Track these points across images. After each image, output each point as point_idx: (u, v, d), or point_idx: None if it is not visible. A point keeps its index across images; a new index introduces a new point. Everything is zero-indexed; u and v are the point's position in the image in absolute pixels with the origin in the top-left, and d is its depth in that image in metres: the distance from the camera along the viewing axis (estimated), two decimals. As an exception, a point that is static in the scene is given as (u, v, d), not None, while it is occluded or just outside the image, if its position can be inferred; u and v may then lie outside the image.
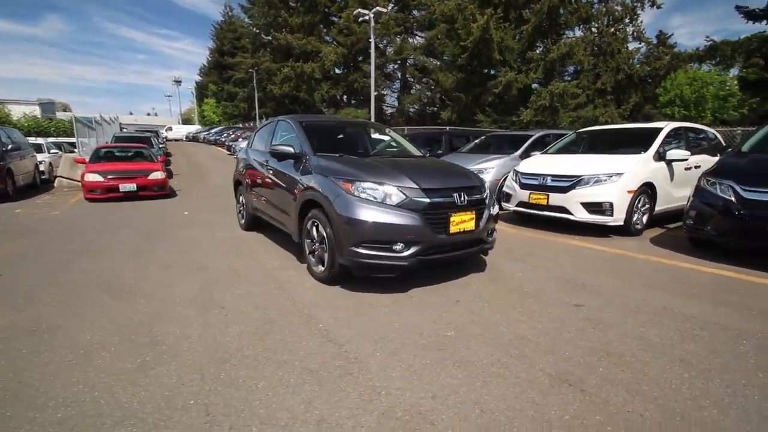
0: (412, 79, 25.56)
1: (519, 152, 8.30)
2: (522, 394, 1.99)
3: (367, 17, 16.86)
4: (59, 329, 2.63)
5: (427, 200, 3.16)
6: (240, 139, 22.96)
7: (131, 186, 8.53)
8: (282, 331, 2.63)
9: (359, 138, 4.91)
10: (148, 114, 78.93)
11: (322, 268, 3.52)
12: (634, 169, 5.55)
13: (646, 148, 5.99)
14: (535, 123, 14.06)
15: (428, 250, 3.20)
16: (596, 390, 2.02)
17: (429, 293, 3.34)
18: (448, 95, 17.79)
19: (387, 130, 5.18)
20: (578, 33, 15.76)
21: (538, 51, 15.48)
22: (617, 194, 5.39)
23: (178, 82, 61.24)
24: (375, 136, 5.07)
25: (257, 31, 33.13)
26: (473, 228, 3.42)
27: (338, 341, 2.50)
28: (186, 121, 62.24)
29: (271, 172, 4.50)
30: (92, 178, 8.28)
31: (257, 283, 3.58)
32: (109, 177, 8.39)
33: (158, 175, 9.02)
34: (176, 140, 35.36)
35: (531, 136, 8.86)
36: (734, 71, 28.34)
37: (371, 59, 18.31)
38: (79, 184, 9.19)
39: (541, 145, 8.57)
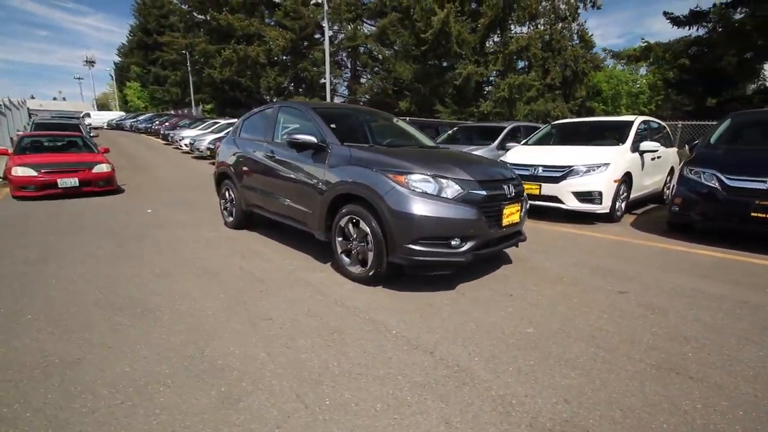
0: (364, 68, 25.14)
1: (495, 143, 8.50)
2: (643, 387, 1.97)
3: (320, 0, 16.18)
4: (82, 362, 2.11)
5: (484, 193, 3.05)
6: (177, 128, 21.07)
7: (72, 181, 7.33)
8: (357, 341, 2.37)
9: (371, 126, 4.63)
10: (55, 99, 69.15)
11: (362, 269, 3.26)
12: (617, 159, 5.92)
13: (622, 140, 6.43)
14: (495, 114, 14.60)
15: (484, 244, 3.10)
16: (702, 375, 2.07)
17: (477, 288, 3.24)
18: (407, 86, 17.77)
19: (394, 119, 4.95)
20: (525, 29, 16.59)
21: (492, 44, 16.05)
22: (605, 183, 5.72)
23: (90, 62, 54.36)
24: (385, 124, 4.81)
25: (189, 8, 30.30)
26: (518, 220, 3.38)
27: (425, 347, 2.31)
28: (102, 106, 55.58)
29: (280, 164, 4.08)
30: (22, 172, 6.96)
31: (288, 287, 3.22)
32: (44, 171, 7.11)
33: (104, 167, 7.86)
34: (96, 128, 31.38)
35: (504, 127, 9.09)
36: (642, 71, 32.07)
37: (325, 45, 17.65)
38: (1, 179, 7.72)
39: (510, 136, 8.88)
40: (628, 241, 4.95)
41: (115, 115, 35.24)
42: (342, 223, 3.35)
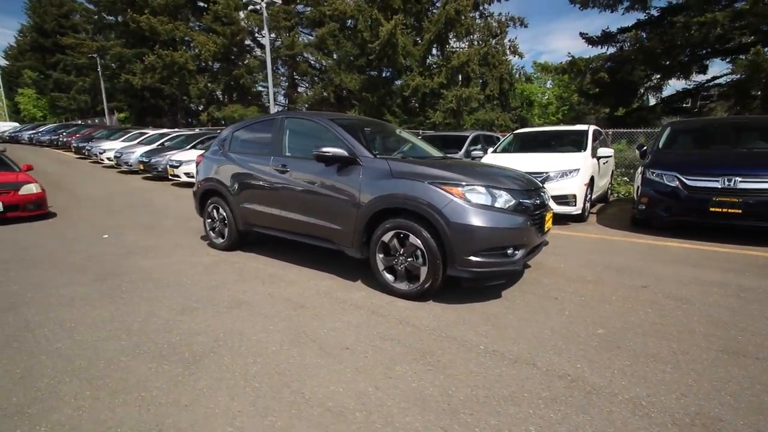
0: (304, 77, 24.62)
1: (462, 152, 8.87)
2: (729, 372, 2.17)
3: (258, 6, 15.58)
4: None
5: (530, 201, 3.15)
6: (94, 140, 18.68)
7: (-6, 206, 6.11)
8: (455, 362, 2.28)
9: (384, 138, 4.53)
10: None
11: (410, 285, 3.16)
12: (584, 164, 6.52)
13: (582, 147, 7.11)
14: (444, 124, 15.23)
15: (531, 251, 3.19)
16: (765, 354, 2.34)
17: (520, 294, 3.33)
18: (355, 95, 17.76)
19: (398, 130, 4.90)
20: (463, 45, 17.64)
21: (435, 58, 16.78)
22: (578, 187, 6.27)
23: (-36, 64, 45.88)
24: (392, 134, 4.73)
25: (98, 8, 27.17)
26: (551, 226, 3.55)
27: (524, 360, 2.31)
28: (-18, 116, 47.17)
29: (297, 179, 3.81)
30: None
31: (339, 311, 3.00)
32: (-44, 195, 5.83)
33: (33, 188, 6.69)
34: (-19, 142, 26.53)
35: (467, 136, 9.53)
36: (549, 83, 36.15)
37: (266, 53, 17.00)
38: None
39: (472, 144, 9.35)
40: (609, 238, 5.45)
41: (8, 126, 30.05)
42: (386, 238, 3.22)
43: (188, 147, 13.97)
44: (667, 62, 12.10)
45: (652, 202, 5.55)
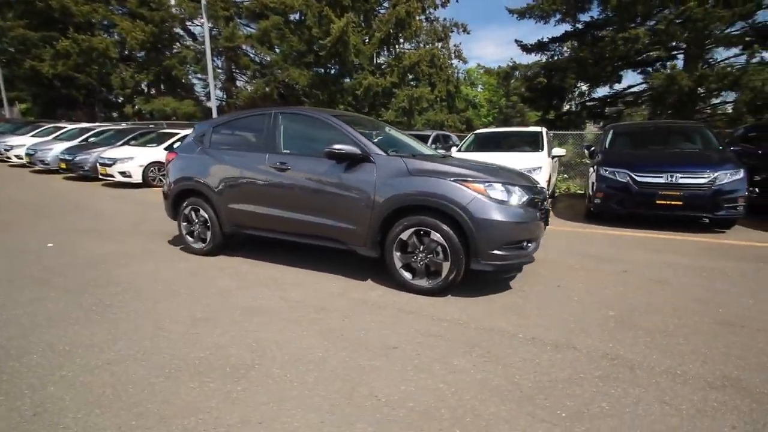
0: (245, 71, 23.29)
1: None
2: (733, 343, 2.53)
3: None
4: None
5: (540, 197, 3.35)
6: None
7: None
8: (513, 354, 2.36)
9: (378, 135, 4.48)
10: None
11: (430, 281, 3.21)
12: (544, 163, 7.07)
13: (540, 147, 7.70)
14: (396, 123, 15.43)
15: (538, 244, 3.40)
16: (762, 325, 2.74)
17: (529, 285, 3.52)
18: (305, 92, 17.25)
19: (387, 128, 4.89)
20: (410, 46, 18.07)
21: (386, 57, 16.97)
22: (542, 184, 6.77)
23: None
24: (386, 131, 4.69)
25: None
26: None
27: (565, 344, 2.46)
28: None
29: (301, 177, 3.64)
30: None
31: (365, 312, 2.94)
32: None
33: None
34: None
35: (429, 135, 9.81)
36: (480, 88, 38.67)
37: (206, 43, 15.87)
38: None
39: (433, 143, 9.66)
40: (573, 230, 5.98)
41: None
42: (404, 236, 3.23)
43: (120, 143, 12.63)
44: (597, 71, 13.45)
45: (607, 196, 6.18)
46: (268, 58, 22.17)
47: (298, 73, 17.06)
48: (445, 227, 3.06)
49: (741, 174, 5.50)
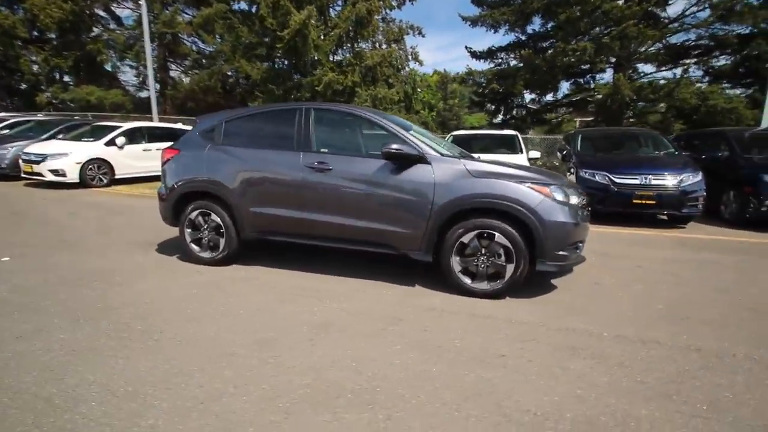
0: (184, 60, 21.32)
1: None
2: (772, 325, 2.84)
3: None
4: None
5: (585, 200, 3.47)
6: None
7: None
8: (612, 353, 2.41)
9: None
10: None
11: (492, 284, 3.18)
12: (525, 165, 7.44)
13: (518, 149, 8.11)
14: (359, 123, 15.21)
15: (584, 244, 3.53)
16: (769, 309, 3.13)
17: (564, 282, 3.65)
18: (258, 87, 16.20)
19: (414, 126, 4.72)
20: (367, 45, 17.95)
21: (345, 55, 16.62)
22: (527, 184, 7.11)
23: None
24: (418, 130, 4.47)
25: None
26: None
27: (646, 339, 2.57)
28: None
29: (348, 178, 3.38)
30: None
31: (445, 320, 2.82)
32: None
33: None
34: None
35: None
36: (419, 91, 40.24)
37: (144, 27, 14.28)
38: None
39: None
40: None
41: None
42: (465, 239, 3.15)
43: (45, 137, 10.87)
44: (546, 79, 14.53)
45: (589, 196, 6.64)
46: (210, 48, 20.63)
47: (250, 66, 16.03)
48: (510, 229, 3.05)
49: (700, 176, 6.26)
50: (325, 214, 3.48)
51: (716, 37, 14.04)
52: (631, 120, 16.37)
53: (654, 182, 6.22)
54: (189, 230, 3.96)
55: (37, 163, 8.92)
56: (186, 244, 3.99)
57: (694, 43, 15.38)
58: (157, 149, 10.89)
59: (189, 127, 13.01)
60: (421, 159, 3.26)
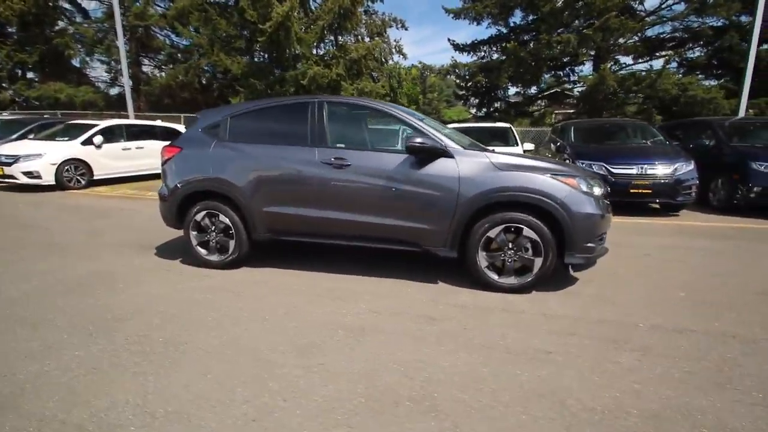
0: (158, 55, 20.40)
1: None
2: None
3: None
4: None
5: (607, 191, 3.46)
6: None
7: None
8: (654, 344, 2.40)
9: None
10: None
11: (519, 279, 3.13)
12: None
13: (513, 142, 8.15)
14: (346, 117, 14.98)
15: (605, 235, 3.53)
16: (785, 293, 3.21)
17: (583, 273, 3.65)
18: (239, 81, 15.64)
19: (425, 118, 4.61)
20: (350, 38, 17.66)
21: (328, 48, 16.30)
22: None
23: None
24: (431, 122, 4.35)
25: None
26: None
27: (680, 328, 2.59)
28: None
29: (368, 174, 3.25)
30: None
31: (479, 316, 2.76)
32: None
33: None
34: None
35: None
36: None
37: (116, 20, 13.56)
38: None
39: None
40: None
41: None
42: (492, 234, 3.09)
43: (14, 137, 10.22)
44: (533, 72, 14.66)
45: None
46: (186, 42, 19.86)
47: (231, 60, 15.48)
48: (539, 222, 3.01)
49: (692, 165, 6.43)
50: (344, 212, 3.35)
51: (691, 29, 14.53)
52: (611, 111, 16.80)
53: (650, 172, 6.35)
54: (194, 232, 3.75)
55: (9, 165, 8.36)
56: (192, 247, 3.77)
57: (669, 35, 15.89)
58: (137, 148, 10.46)
59: (169, 124, 12.55)
60: (444, 153, 3.17)
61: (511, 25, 17.19)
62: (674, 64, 15.96)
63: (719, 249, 4.56)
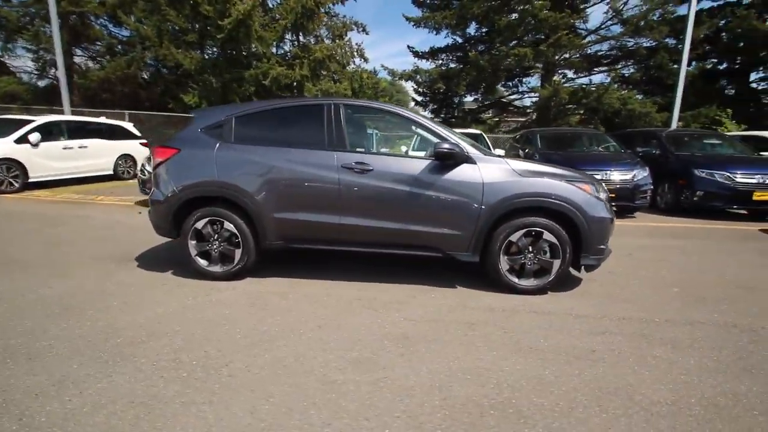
0: (96, 45, 18.43)
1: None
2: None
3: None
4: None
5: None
6: None
7: None
8: (680, 338, 2.60)
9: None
10: None
11: (537, 281, 3.26)
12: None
13: (487, 148, 8.44)
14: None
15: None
16: (756, 285, 3.65)
17: (583, 273, 3.90)
18: (192, 78, 14.57)
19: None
20: (310, 39, 17.30)
21: (289, 48, 15.80)
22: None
23: None
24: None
25: None
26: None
27: (693, 321, 2.84)
28: None
29: (391, 180, 3.19)
30: None
31: (511, 319, 2.81)
32: None
33: None
34: None
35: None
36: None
37: (50, 5, 12.12)
38: None
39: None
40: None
41: None
42: (514, 238, 3.18)
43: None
44: (492, 81, 15.36)
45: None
46: (128, 33, 18.26)
47: (183, 55, 14.45)
48: (558, 227, 3.15)
49: (647, 171, 7.12)
50: (366, 218, 3.27)
51: (626, 48, 16.13)
52: (558, 122, 18.10)
53: (612, 177, 6.92)
54: (194, 242, 3.44)
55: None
56: (191, 258, 3.46)
57: (606, 52, 17.50)
58: (80, 147, 9.42)
59: (116, 122, 11.43)
60: (467, 159, 3.21)
61: (468, 35, 17.94)
62: (608, 79, 17.69)
63: (689, 247, 5.07)
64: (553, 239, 3.17)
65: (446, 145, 3.11)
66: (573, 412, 1.82)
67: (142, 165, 7.23)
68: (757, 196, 6.72)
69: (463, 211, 3.18)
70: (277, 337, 2.48)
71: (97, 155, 9.89)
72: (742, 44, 14.44)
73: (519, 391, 1.98)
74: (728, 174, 6.90)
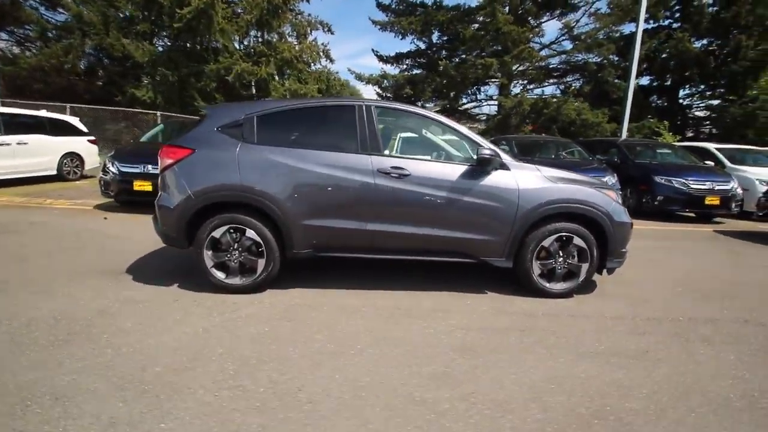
0: (24, 29, 16.28)
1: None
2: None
3: None
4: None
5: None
6: None
7: None
8: (710, 335, 2.79)
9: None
10: None
11: (565, 284, 3.36)
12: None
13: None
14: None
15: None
16: (744, 280, 4.05)
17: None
18: (144, 70, 13.33)
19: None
20: (274, 36, 16.71)
21: (252, 44, 15.02)
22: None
23: None
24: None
25: None
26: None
27: (713, 319, 3.07)
28: None
29: (429, 185, 3.12)
30: None
31: (557, 323, 2.86)
32: None
33: None
34: None
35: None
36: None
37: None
38: None
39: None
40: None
41: None
42: (546, 243, 3.26)
43: None
44: (459, 88, 15.80)
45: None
46: (61, 17, 16.44)
47: (135, 46, 13.26)
48: (587, 232, 3.27)
49: (616, 177, 7.67)
50: (403, 225, 3.17)
51: (575, 63, 17.41)
52: (515, 130, 19.07)
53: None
54: (210, 252, 3.13)
55: None
56: (207, 270, 3.14)
57: (557, 66, 18.76)
58: (18, 143, 8.30)
59: (59, 116, 10.18)
60: (503, 165, 3.23)
61: (432, 42, 18.34)
62: (558, 91, 19.03)
63: (671, 248, 5.52)
64: (582, 244, 3.28)
65: (487, 151, 3.11)
66: (666, 414, 1.88)
67: (105, 165, 6.54)
68: (708, 200, 7.51)
69: (500, 216, 3.20)
70: (337, 355, 2.32)
71: (39, 153, 8.76)
72: (673, 63, 16.19)
73: (607, 397, 2.00)
74: (683, 180, 7.65)
